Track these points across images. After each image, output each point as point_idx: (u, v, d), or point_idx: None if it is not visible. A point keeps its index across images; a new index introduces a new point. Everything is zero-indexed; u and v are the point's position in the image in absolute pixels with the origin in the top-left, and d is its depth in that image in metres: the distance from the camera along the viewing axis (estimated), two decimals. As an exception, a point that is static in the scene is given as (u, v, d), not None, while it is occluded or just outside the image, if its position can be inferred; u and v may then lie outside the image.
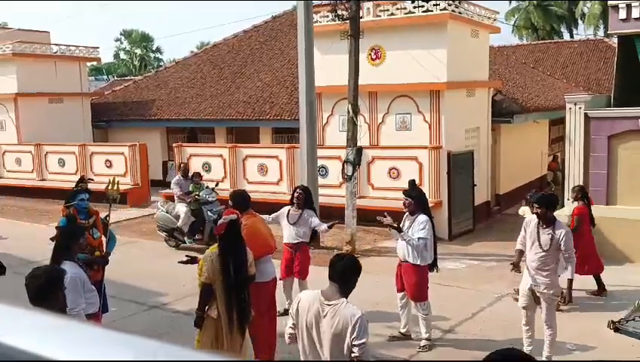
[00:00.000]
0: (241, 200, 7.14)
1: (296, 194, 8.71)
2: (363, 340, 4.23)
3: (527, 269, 7.18)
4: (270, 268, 7.21)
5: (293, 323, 4.50)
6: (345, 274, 4.38)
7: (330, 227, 8.79)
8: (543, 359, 7.10)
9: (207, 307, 6.01)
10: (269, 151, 17.82)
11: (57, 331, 0.80)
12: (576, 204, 9.84)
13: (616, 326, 6.03)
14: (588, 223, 9.76)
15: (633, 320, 6.09)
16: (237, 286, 5.93)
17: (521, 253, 7.37)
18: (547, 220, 6.99)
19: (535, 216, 7.13)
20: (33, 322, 0.83)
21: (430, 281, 8.02)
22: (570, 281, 7.02)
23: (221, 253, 5.91)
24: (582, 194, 9.86)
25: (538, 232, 7.01)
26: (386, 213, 7.65)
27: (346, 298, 4.35)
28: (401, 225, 7.74)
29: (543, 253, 6.93)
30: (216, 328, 5.98)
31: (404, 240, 7.56)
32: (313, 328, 4.31)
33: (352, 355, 4.25)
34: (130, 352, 0.72)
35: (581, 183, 11.97)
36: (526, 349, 7.30)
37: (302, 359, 4.47)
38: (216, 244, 6.09)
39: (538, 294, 7.07)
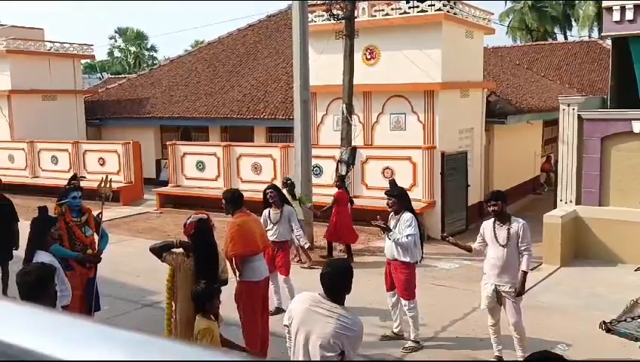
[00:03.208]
0: (232, 198, 7.09)
1: (269, 196, 8.92)
2: (355, 351, 4.19)
3: (488, 271, 7.19)
4: (262, 268, 7.21)
5: (287, 326, 4.35)
6: (335, 285, 4.23)
7: (308, 248, 9.01)
8: (519, 359, 7.11)
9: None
10: (263, 150, 17.80)
11: (55, 328, 0.80)
12: (336, 189, 12.31)
13: (608, 327, 6.04)
14: (347, 204, 12.19)
15: (625, 320, 6.12)
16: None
17: (469, 248, 7.55)
18: (503, 216, 7.10)
19: (492, 217, 7.22)
20: (30, 318, 0.83)
21: (423, 281, 8.03)
22: (525, 273, 7.05)
23: (191, 254, 5.84)
24: (341, 183, 12.37)
25: (494, 230, 7.09)
26: (378, 217, 7.69)
27: (343, 303, 4.23)
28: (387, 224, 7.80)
29: (503, 250, 6.99)
30: (182, 330, 5.85)
31: (392, 239, 7.60)
32: (305, 324, 4.18)
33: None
34: (130, 350, 0.72)
35: (574, 182, 12.08)
36: (495, 350, 7.32)
37: (291, 357, 4.37)
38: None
39: (503, 294, 7.08)
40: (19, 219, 10.06)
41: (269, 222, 8.93)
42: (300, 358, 4.16)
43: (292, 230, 9.16)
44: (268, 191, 9.00)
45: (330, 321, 4.08)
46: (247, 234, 6.93)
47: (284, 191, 11.57)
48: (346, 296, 4.30)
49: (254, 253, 7.04)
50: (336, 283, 4.23)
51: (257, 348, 6.81)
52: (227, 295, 6.53)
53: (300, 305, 4.28)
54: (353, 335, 4.09)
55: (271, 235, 8.77)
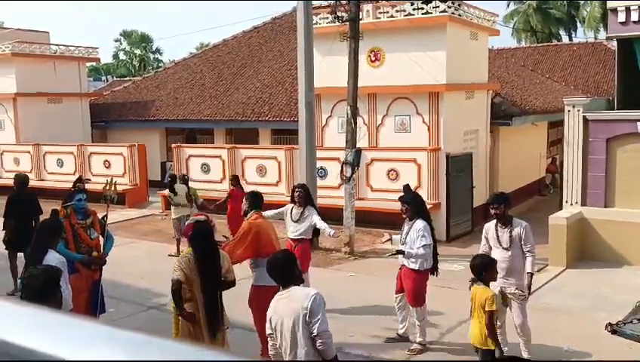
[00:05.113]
0: (253, 199, 7.52)
1: (296, 194, 8.95)
2: (318, 317, 4.45)
3: None
4: None
5: (270, 334, 4.73)
6: (281, 274, 4.73)
7: (335, 235, 9.25)
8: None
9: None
10: (267, 152, 17.82)
11: (58, 328, 0.80)
12: (232, 187, 13.41)
13: (614, 329, 6.03)
14: (241, 201, 12.41)
15: (631, 322, 6.09)
16: (209, 290, 5.84)
17: None
18: (505, 219, 7.13)
19: (494, 219, 7.24)
20: (33, 319, 0.83)
21: (429, 283, 8.01)
22: (530, 275, 7.05)
23: (194, 254, 5.85)
24: (235, 181, 13.56)
25: (497, 233, 7.10)
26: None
27: (298, 284, 4.74)
28: (401, 230, 7.74)
29: (507, 252, 7.01)
30: (189, 331, 5.89)
31: (409, 256, 7.50)
32: (278, 318, 4.61)
33: (311, 335, 4.45)
34: (132, 350, 0.72)
35: (576, 184, 12.04)
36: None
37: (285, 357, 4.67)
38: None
39: (509, 296, 7.08)
40: (42, 212, 10.46)
41: (289, 218, 8.94)
42: (289, 344, 4.56)
43: (315, 227, 9.16)
44: (297, 189, 9.08)
45: (289, 303, 4.56)
46: (263, 235, 7.02)
47: (168, 190, 13.21)
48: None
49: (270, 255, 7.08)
50: (281, 271, 4.72)
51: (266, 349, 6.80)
52: (229, 297, 6.53)
53: (270, 309, 4.76)
54: (308, 305, 4.45)
55: (291, 232, 8.89)
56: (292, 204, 9.04)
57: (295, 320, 4.47)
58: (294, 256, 4.97)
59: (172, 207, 13.20)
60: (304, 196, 8.93)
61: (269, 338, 4.77)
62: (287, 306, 4.55)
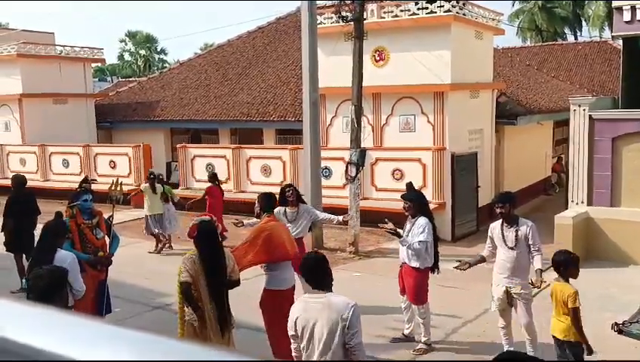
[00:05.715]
0: (266, 201, 7.41)
1: (288, 194, 8.95)
2: (356, 328, 4.38)
3: (499, 273, 7.17)
4: (289, 276, 7.02)
5: (294, 335, 4.65)
6: (314, 274, 4.66)
7: (345, 218, 9.40)
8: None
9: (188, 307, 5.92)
10: (272, 152, 17.83)
11: (64, 327, 0.80)
12: (210, 184, 14.04)
13: (620, 328, 6.01)
14: (220, 197, 13.95)
15: (637, 322, 6.07)
16: (216, 289, 5.84)
17: (482, 259, 7.47)
18: (510, 218, 7.11)
19: (500, 219, 7.22)
20: (40, 318, 0.84)
21: (433, 283, 8.00)
22: (540, 271, 7.03)
23: (199, 254, 5.86)
24: (212, 179, 14.13)
25: (502, 232, 7.09)
26: (386, 219, 7.63)
27: (330, 288, 4.62)
28: (403, 228, 7.75)
29: (512, 251, 6.99)
30: (195, 331, 5.89)
31: (404, 245, 7.54)
32: (309, 320, 4.49)
33: (347, 346, 4.38)
34: (138, 349, 0.73)
35: (583, 184, 12.02)
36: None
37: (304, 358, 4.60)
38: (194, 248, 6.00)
39: (514, 295, 7.06)
40: (40, 212, 10.65)
41: (286, 220, 8.84)
42: (318, 350, 4.45)
43: (317, 221, 9.18)
44: (287, 189, 9.04)
45: (326, 309, 4.43)
46: (274, 239, 6.89)
47: (147, 185, 13.72)
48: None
49: (285, 258, 6.95)
50: (315, 271, 4.68)
51: (285, 352, 6.76)
52: (233, 297, 6.53)
53: (298, 309, 4.64)
54: (349, 316, 4.38)
55: None
56: (281, 207, 8.88)
57: (332, 329, 4.37)
58: (324, 256, 4.94)
59: (145, 205, 13.61)
60: (296, 195, 9.00)
61: (292, 340, 4.69)
62: (322, 312, 4.42)
